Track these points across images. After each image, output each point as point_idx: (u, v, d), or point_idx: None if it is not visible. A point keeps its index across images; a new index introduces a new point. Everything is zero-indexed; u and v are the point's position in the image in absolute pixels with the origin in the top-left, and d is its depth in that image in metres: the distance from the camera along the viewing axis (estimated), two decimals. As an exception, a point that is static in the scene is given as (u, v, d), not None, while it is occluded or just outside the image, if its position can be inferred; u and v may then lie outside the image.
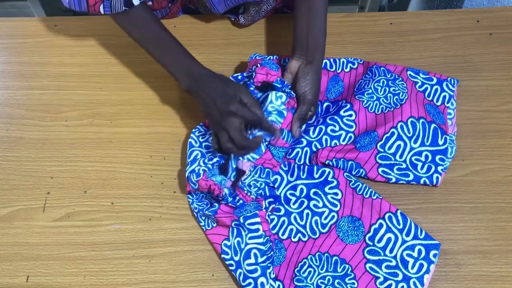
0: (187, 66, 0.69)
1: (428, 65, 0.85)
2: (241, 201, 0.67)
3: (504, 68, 0.84)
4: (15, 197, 0.74)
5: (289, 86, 0.72)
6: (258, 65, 0.71)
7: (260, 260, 0.64)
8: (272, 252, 0.66)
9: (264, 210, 0.67)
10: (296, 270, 0.66)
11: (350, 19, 0.91)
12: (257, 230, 0.65)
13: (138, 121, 0.80)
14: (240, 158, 0.69)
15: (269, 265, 0.64)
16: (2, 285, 0.67)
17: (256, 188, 0.67)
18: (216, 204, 0.67)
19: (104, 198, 0.73)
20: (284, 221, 0.70)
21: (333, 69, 0.82)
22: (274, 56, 0.77)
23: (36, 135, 0.80)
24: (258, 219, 0.65)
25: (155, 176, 0.75)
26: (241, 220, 0.65)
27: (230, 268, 0.65)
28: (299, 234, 0.69)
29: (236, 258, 0.65)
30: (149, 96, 0.83)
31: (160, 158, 0.77)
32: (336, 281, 0.65)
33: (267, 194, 0.69)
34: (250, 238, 0.65)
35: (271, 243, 0.66)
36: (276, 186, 0.72)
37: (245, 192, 0.67)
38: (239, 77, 0.74)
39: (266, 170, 0.69)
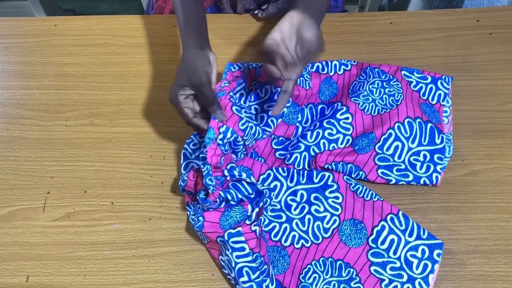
0: (185, 36, 0.69)
1: (428, 65, 0.85)
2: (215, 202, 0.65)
3: (504, 68, 0.84)
4: (15, 197, 0.74)
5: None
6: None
7: (253, 277, 0.62)
8: (265, 266, 0.64)
9: (247, 223, 0.64)
10: (301, 276, 0.66)
11: (350, 18, 0.91)
12: (243, 248, 0.63)
13: (138, 121, 0.80)
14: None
15: (264, 278, 0.63)
16: (2, 285, 0.67)
17: (207, 185, 0.64)
18: (201, 218, 0.64)
19: (104, 198, 0.73)
20: (286, 228, 0.69)
21: (325, 71, 0.82)
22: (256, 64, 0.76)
23: (36, 135, 0.80)
24: (242, 238, 0.63)
25: (155, 176, 0.75)
26: (226, 237, 0.63)
27: (232, 281, 0.65)
28: (302, 240, 0.68)
29: (232, 275, 0.64)
30: (149, 96, 0.83)
31: (160, 158, 0.77)
32: (342, 285, 0.64)
33: (249, 191, 0.66)
34: (238, 257, 0.63)
35: (262, 258, 0.64)
36: (275, 192, 0.72)
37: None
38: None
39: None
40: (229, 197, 0.65)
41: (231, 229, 0.63)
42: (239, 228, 0.63)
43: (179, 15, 0.71)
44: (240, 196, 0.65)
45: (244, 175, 0.66)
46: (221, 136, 0.65)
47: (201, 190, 0.65)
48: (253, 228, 0.64)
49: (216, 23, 0.91)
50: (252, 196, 0.67)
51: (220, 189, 0.65)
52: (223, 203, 0.65)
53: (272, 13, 0.91)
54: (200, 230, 0.64)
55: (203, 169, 0.64)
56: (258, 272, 0.63)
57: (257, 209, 0.66)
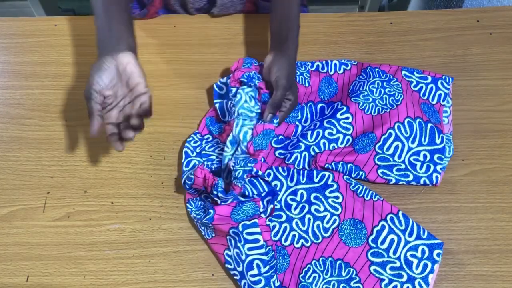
0: (100, 39, 0.68)
1: (428, 65, 0.85)
2: (233, 195, 0.66)
3: (504, 68, 0.84)
4: (15, 197, 0.74)
5: (259, 77, 0.74)
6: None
7: (263, 270, 0.63)
8: (275, 261, 0.65)
9: (263, 217, 0.66)
10: (300, 276, 0.66)
11: (350, 19, 0.91)
12: (257, 240, 0.64)
13: (138, 121, 0.80)
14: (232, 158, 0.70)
15: (272, 274, 0.63)
16: (2, 285, 0.67)
17: (239, 179, 0.66)
18: (212, 211, 0.65)
19: (104, 198, 0.73)
20: (286, 227, 0.69)
21: (325, 70, 0.82)
22: (260, 62, 0.77)
23: (36, 134, 0.79)
24: (258, 229, 0.64)
25: (155, 176, 0.75)
26: (240, 228, 0.64)
27: (235, 277, 0.65)
28: (302, 240, 0.68)
29: (239, 269, 0.64)
30: (149, 96, 0.83)
31: (160, 158, 0.77)
32: (342, 285, 0.64)
33: (265, 189, 0.67)
34: (250, 249, 0.63)
35: (273, 252, 0.65)
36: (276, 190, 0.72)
37: (235, 183, 0.66)
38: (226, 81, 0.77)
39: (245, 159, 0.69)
40: (246, 192, 0.66)
41: (246, 221, 0.64)
42: (255, 220, 0.64)
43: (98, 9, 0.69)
44: (255, 192, 0.66)
45: (260, 172, 0.67)
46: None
47: (216, 184, 0.65)
48: (267, 222, 0.65)
49: (209, 23, 0.91)
50: (263, 194, 0.67)
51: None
52: (232, 197, 0.66)
53: (226, 6, 0.90)
54: (210, 222, 0.65)
55: (250, 164, 0.67)
56: (268, 267, 0.63)
57: (271, 206, 0.67)
